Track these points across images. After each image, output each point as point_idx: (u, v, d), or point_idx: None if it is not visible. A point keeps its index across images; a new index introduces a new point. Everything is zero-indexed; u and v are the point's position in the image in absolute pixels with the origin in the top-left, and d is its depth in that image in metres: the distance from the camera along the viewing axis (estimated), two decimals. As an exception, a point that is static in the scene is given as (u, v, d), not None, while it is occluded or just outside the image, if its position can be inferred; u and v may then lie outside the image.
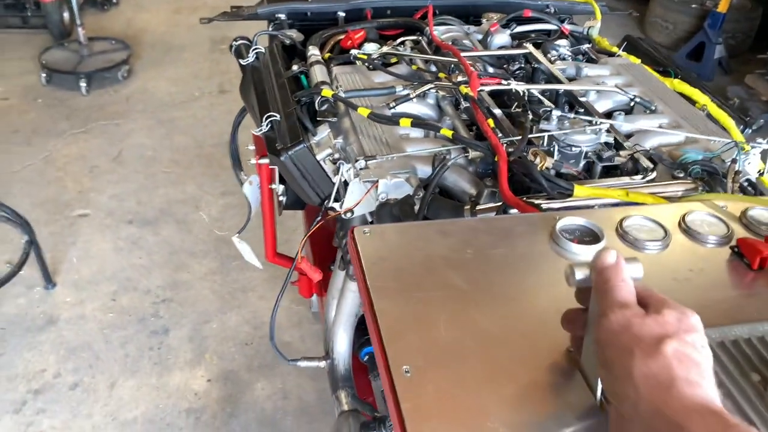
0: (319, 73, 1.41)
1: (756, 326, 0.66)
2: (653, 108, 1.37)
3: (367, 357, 1.72)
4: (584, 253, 0.82)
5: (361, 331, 1.70)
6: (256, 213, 1.89)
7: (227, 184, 3.21)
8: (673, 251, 0.83)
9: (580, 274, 0.62)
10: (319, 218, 1.29)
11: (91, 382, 2.24)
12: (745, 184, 1.17)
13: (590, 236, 0.84)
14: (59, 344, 2.37)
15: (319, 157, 1.25)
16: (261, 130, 1.31)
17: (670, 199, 1.03)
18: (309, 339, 2.46)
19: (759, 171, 1.27)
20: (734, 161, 1.13)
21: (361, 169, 1.13)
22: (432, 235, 0.84)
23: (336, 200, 1.21)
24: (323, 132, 1.28)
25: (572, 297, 0.71)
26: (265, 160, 1.65)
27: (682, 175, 1.14)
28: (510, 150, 1.09)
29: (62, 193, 3.13)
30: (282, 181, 1.62)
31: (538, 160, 1.05)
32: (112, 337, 2.41)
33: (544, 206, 0.99)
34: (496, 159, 1.07)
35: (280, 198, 1.62)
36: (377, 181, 1.10)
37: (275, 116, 1.29)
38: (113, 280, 2.66)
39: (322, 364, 1.67)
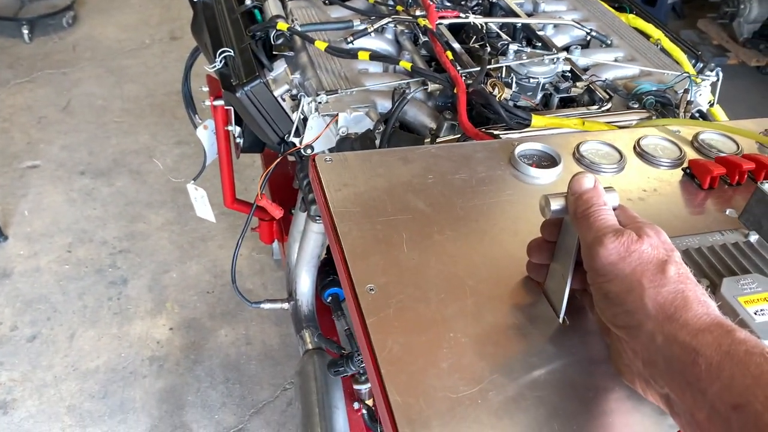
0: (273, 7, 1.37)
1: (706, 236, 0.68)
2: (609, 42, 1.38)
3: (330, 298, 1.73)
4: (543, 176, 0.83)
5: (324, 274, 1.71)
6: (212, 160, 1.86)
7: (181, 133, 3.15)
8: (628, 174, 0.85)
9: (556, 204, 0.61)
10: (280, 156, 1.28)
11: (50, 334, 2.21)
12: (696, 114, 1.20)
13: (548, 160, 0.85)
14: (14, 297, 2.32)
15: (276, 93, 1.23)
16: (214, 66, 1.28)
17: (625, 128, 1.05)
18: (271, 286, 2.46)
19: (709, 102, 1.30)
20: (686, 91, 1.15)
21: (320, 103, 1.11)
22: (394, 162, 0.84)
23: (296, 136, 1.20)
24: (280, 68, 1.26)
25: (531, 217, 0.73)
26: (220, 102, 1.61)
27: (636, 105, 1.16)
28: (468, 82, 1.09)
29: (9, 144, 3.03)
30: (238, 122, 1.59)
31: (496, 90, 1.05)
32: (69, 288, 2.37)
33: (502, 137, 1.00)
34: (455, 91, 1.07)
35: (237, 140, 1.60)
36: (337, 115, 1.09)
37: (229, 51, 1.26)
38: (68, 232, 2.61)
39: (286, 305, 1.68)
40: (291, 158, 1.62)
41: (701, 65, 1.37)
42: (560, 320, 0.64)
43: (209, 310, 2.35)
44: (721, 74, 1.30)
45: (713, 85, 1.32)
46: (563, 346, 0.62)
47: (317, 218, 1.45)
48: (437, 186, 0.81)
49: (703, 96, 1.27)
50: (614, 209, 0.59)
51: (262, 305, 1.68)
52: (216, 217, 2.71)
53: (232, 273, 1.62)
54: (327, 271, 1.73)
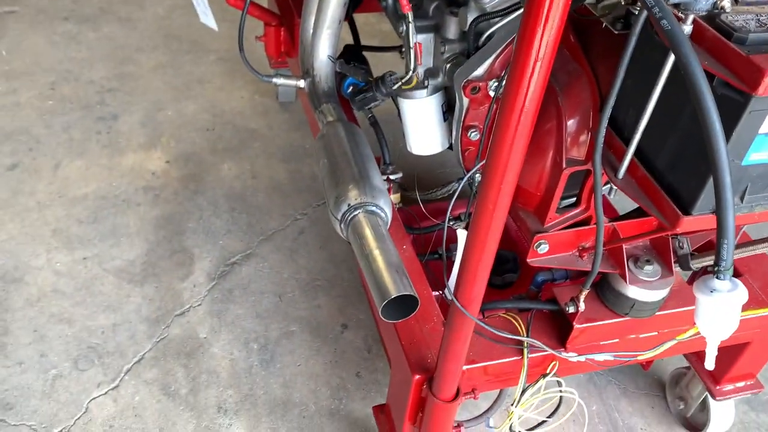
0: None
1: None
2: None
3: (350, 88, 1.50)
4: None
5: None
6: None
7: (174, -17, 2.87)
8: None
9: None
10: None
11: (32, 164, 1.98)
12: None
13: None
14: (-9, 128, 2.09)
15: None
16: None
17: None
18: (276, 127, 2.23)
19: None
20: None
21: None
22: None
23: None
24: None
25: None
26: None
27: None
28: None
29: (-18, -10, 2.74)
30: None
31: None
32: (52, 122, 2.13)
33: None
34: None
35: None
36: None
37: None
38: (50, 71, 2.35)
39: (301, 83, 1.45)
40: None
41: None
42: None
43: (210, 145, 2.12)
44: None
45: None
46: None
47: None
48: None
49: None
50: None
51: (273, 80, 1.45)
52: (214, 62, 2.48)
53: (239, 39, 1.39)
54: (346, 59, 1.50)
